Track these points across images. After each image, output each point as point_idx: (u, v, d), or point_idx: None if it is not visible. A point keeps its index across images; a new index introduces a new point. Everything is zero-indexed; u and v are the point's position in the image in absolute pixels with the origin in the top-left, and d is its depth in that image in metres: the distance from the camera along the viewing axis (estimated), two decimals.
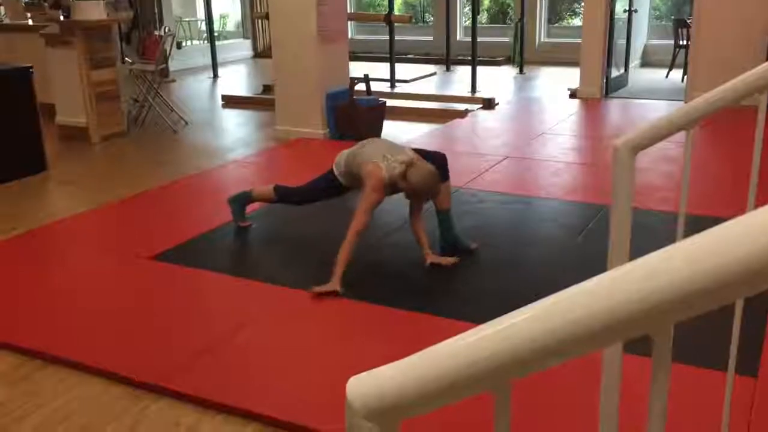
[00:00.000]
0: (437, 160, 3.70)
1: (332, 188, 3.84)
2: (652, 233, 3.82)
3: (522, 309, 0.56)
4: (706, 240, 0.52)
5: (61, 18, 6.89)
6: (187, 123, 7.32)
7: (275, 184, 4.08)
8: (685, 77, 8.27)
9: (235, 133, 7.24)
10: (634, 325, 0.51)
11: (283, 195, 4.02)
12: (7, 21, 8.16)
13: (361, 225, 3.40)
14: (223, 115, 8.11)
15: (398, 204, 4.69)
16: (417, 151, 3.73)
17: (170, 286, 3.54)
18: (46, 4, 8.08)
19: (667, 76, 9.38)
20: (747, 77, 1.28)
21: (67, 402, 2.59)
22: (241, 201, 4.18)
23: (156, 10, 10.91)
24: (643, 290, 0.52)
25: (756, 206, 1.38)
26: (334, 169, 3.78)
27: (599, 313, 0.51)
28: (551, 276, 3.50)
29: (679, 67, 9.05)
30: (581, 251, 3.82)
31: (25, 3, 8.98)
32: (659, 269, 0.52)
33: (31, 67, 5.55)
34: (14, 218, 4.55)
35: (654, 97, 8.22)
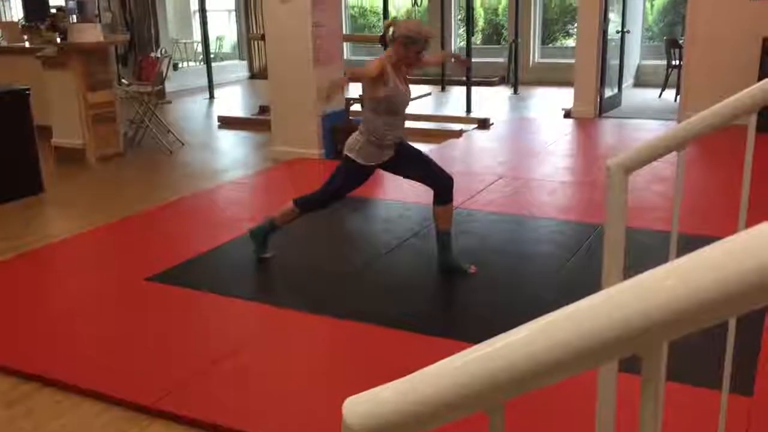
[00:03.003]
0: (443, 180, 3.72)
1: (354, 173, 3.72)
2: (645, 252, 3.84)
3: (516, 329, 0.58)
4: (696, 260, 0.53)
5: (58, 40, 6.93)
6: (183, 144, 7.35)
7: (292, 200, 3.91)
8: (678, 97, 8.33)
9: (231, 154, 7.26)
10: (623, 345, 0.52)
11: (305, 204, 3.85)
12: (4, 43, 8.20)
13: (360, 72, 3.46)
14: (219, 136, 8.14)
15: (396, 221, 4.71)
16: (429, 163, 3.76)
17: (166, 307, 3.53)
18: (43, 27, 8.12)
19: (660, 96, 9.46)
20: (736, 99, 1.30)
21: (62, 425, 2.58)
22: (265, 231, 3.99)
23: (153, 32, 10.98)
24: (630, 310, 0.53)
25: (747, 225, 1.40)
26: (349, 153, 3.69)
27: (589, 333, 0.52)
28: (546, 295, 3.51)
29: (671, 86, 9.13)
30: (576, 271, 3.84)
31: (23, 25, 9.04)
32: (647, 290, 0.53)
33: (27, 89, 5.57)
34: (10, 239, 4.55)
35: (647, 116, 8.29)
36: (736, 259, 0.51)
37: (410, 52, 3.51)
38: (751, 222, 1.55)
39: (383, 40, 3.60)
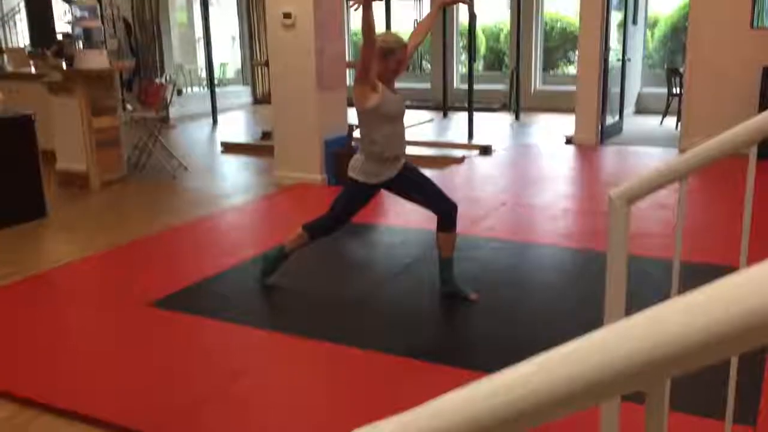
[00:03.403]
0: (448, 207, 3.72)
1: (357, 193, 3.73)
2: (648, 280, 3.84)
3: (519, 365, 0.58)
4: (702, 296, 0.54)
5: (64, 66, 7.00)
6: (186, 169, 7.38)
7: (301, 225, 3.91)
8: (679, 124, 8.38)
9: (234, 179, 7.29)
10: (627, 381, 0.53)
11: (313, 229, 3.86)
12: (10, 69, 8.28)
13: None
14: (222, 161, 8.18)
15: (399, 247, 4.72)
16: (433, 188, 3.77)
17: (168, 333, 3.53)
18: (49, 53, 8.20)
19: (661, 124, 9.51)
20: (735, 132, 1.31)
21: None
22: (275, 258, 3.98)
23: (157, 58, 11.08)
24: (634, 347, 0.53)
25: (748, 254, 1.40)
26: (351, 174, 3.70)
27: (592, 370, 0.53)
28: (548, 324, 3.51)
29: (672, 114, 9.18)
30: (578, 298, 3.83)
31: (29, 51, 9.13)
32: (653, 326, 0.54)
33: (33, 115, 5.62)
34: (13, 264, 4.55)
35: (648, 143, 8.32)
36: (743, 296, 0.52)
37: (391, 62, 3.55)
38: (753, 250, 1.56)
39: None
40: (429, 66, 12.88)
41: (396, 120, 3.65)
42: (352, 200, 3.76)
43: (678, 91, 9.00)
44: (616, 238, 1.45)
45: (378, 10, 3.78)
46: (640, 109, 10.85)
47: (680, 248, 1.43)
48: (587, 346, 0.55)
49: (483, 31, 12.79)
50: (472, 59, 9.36)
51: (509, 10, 11.83)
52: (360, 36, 3.58)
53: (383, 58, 3.52)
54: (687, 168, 1.40)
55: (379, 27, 3.75)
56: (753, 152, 1.31)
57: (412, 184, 3.77)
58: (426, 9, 11.47)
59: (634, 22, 9.74)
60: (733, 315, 0.51)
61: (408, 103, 12.03)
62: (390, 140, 3.61)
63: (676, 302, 0.53)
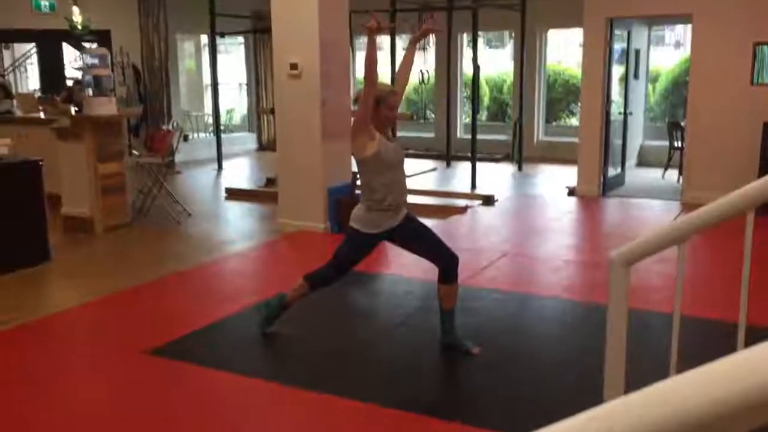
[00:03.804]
0: (449, 259, 3.72)
1: (358, 244, 3.74)
2: (648, 334, 3.83)
3: None
4: (700, 377, 0.55)
5: (73, 112, 7.11)
6: (190, 215, 7.42)
7: (303, 276, 3.91)
8: (681, 177, 8.43)
9: (238, 225, 7.33)
10: None
11: (316, 279, 3.86)
12: (20, 114, 8.40)
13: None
14: (226, 207, 8.23)
15: (401, 297, 4.71)
16: (435, 240, 3.77)
17: (166, 382, 3.51)
18: (58, 99, 8.33)
19: (663, 176, 9.56)
20: (733, 197, 1.33)
21: None
22: (276, 307, 3.98)
23: (165, 105, 11.24)
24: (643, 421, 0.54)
25: (748, 310, 1.41)
26: (352, 223, 3.72)
27: None
28: (549, 377, 3.48)
29: (674, 167, 9.24)
30: (579, 351, 3.81)
31: (39, 97, 9.28)
32: (656, 403, 0.55)
33: (41, 161, 5.68)
34: (15, 309, 4.55)
35: (650, 196, 8.36)
36: (741, 377, 0.53)
37: (383, 110, 3.58)
38: (752, 307, 1.57)
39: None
40: (433, 115, 13.02)
41: (396, 168, 3.68)
42: (353, 250, 3.78)
43: (679, 145, 9.08)
44: (616, 297, 1.46)
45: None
46: (643, 162, 10.92)
47: (679, 309, 1.44)
48: (587, 420, 0.56)
49: (487, 82, 12.97)
50: (475, 110, 9.47)
51: (512, 62, 12.01)
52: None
53: (376, 106, 3.57)
54: (686, 231, 1.42)
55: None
56: (750, 218, 1.33)
57: (413, 235, 3.78)
58: (430, 57, 11.65)
59: (636, 76, 9.88)
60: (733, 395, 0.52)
61: (411, 151, 12.15)
62: (390, 188, 3.63)
63: (668, 385, 0.55)
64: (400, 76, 3.92)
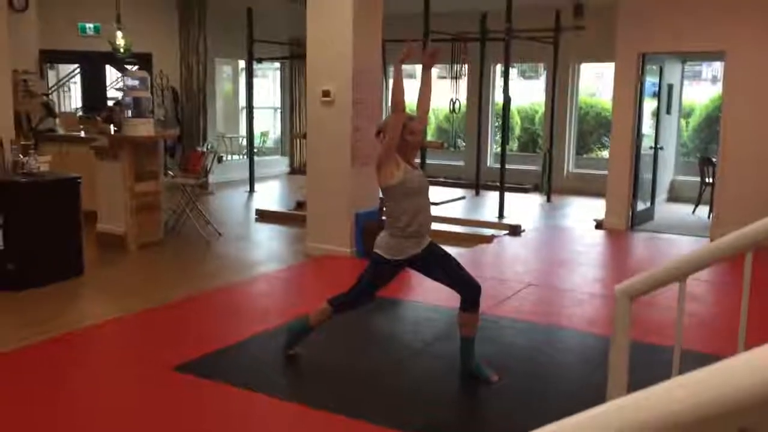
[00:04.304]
0: (471, 287, 3.77)
1: (381, 270, 3.80)
2: (649, 366, 3.82)
3: None
4: (692, 380, 0.61)
5: (112, 131, 7.33)
6: (220, 235, 7.57)
7: (327, 299, 3.97)
8: (711, 214, 8.37)
9: (267, 247, 7.45)
10: None
11: (339, 303, 3.92)
12: (61, 131, 8.67)
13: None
14: (256, 229, 8.37)
15: (422, 323, 4.76)
16: (458, 268, 3.83)
17: (189, 398, 3.60)
18: (99, 118, 8.59)
19: (693, 212, 9.50)
20: (732, 238, 1.39)
21: None
22: (300, 330, 4.05)
23: (201, 127, 11.49)
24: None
25: (746, 345, 1.45)
26: (376, 249, 3.78)
27: None
28: (567, 409, 3.49)
29: (705, 203, 9.18)
30: (599, 384, 3.81)
31: (80, 116, 9.57)
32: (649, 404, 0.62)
33: (79, 177, 5.87)
34: (47, 322, 4.69)
35: (679, 232, 8.30)
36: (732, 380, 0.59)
37: (406, 135, 3.66)
38: (751, 343, 1.61)
39: (378, 136, 3.83)
40: (463, 144, 13.11)
41: (420, 195, 3.75)
42: (377, 276, 3.85)
43: (711, 181, 9.03)
44: (619, 329, 1.52)
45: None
46: (674, 197, 10.86)
47: (680, 345, 1.49)
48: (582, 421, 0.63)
49: (518, 112, 13.04)
50: (505, 140, 9.54)
51: (544, 93, 12.08)
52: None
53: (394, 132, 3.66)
54: (687, 268, 1.48)
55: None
56: (748, 259, 1.38)
57: (436, 262, 3.84)
58: (462, 86, 11.75)
59: (668, 111, 9.87)
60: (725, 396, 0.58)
61: (441, 179, 12.23)
62: (415, 216, 3.70)
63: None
64: (420, 103, 3.98)
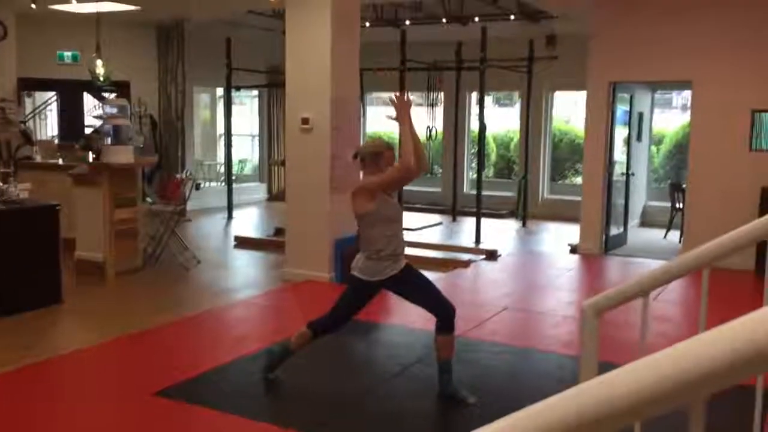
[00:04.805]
0: (445, 309, 3.86)
1: (358, 291, 3.90)
2: None
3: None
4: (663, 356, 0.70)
5: (91, 159, 7.34)
6: (199, 262, 7.59)
7: (307, 323, 4.04)
8: (682, 238, 8.56)
9: (245, 273, 7.48)
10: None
11: (318, 327, 3.98)
12: (39, 159, 8.67)
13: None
14: (235, 255, 8.39)
15: (400, 346, 4.82)
16: (432, 290, 3.93)
17: (168, 423, 3.62)
18: (77, 146, 8.59)
19: (665, 237, 9.69)
20: (689, 257, 1.49)
21: None
22: (280, 354, 4.10)
23: (179, 154, 11.53)
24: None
25: None
26: (352, 272, 3.88)
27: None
28: None
29: (676, 228, 9.38)
30: None
31: (58, 144, 9.57)
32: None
33: (58, 205, 5.88)
34: (25, 349, 4.68)
35: (652, 256, 8.46)
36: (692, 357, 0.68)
37: (382, 164, 3.82)
38: None
39: (355, 158, 4.00)
40: (440, 170, 13.27)
41: (394, 222, 3.88)
42: (354, 298, 3.92)
43: (681, 206, 9.24)
44: (586, 344, 1.60)
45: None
46: (646, 222, 11.07)
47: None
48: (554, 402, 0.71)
49: (494, 139, 13.24)
50: (481, 166, 9.69)
51: (519, 120, 12.30)
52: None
53: (374, 161, 3.83)
54: (651, 284, 1.58)
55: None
56: (705, 275, 1.48)
57: (412, 284, 3.93)
58: (438, 114, 11.94)
59: (639, 138, 10.11)
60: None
61: (418, 205, 12.32)
62: (390, 240, 3.81)
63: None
64: (403, 154, 3.89)
